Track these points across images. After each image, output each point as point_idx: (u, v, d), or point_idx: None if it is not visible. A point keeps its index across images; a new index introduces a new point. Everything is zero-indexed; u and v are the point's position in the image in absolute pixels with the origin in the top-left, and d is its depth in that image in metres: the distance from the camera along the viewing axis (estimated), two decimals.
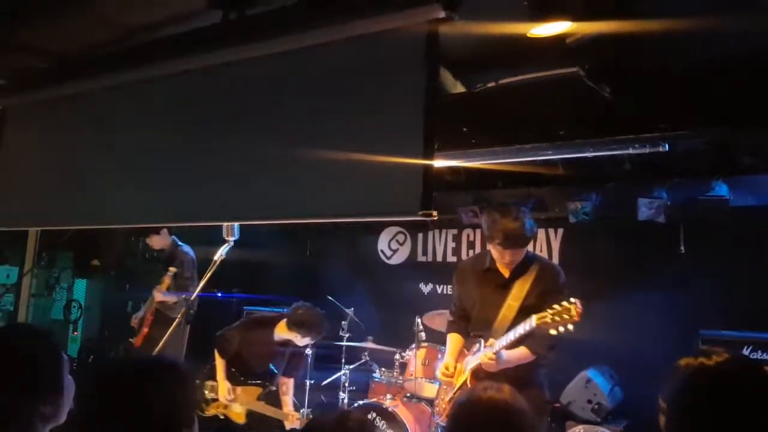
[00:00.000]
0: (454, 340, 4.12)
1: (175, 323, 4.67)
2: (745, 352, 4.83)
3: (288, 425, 5.13)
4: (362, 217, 2.98)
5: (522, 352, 3.70)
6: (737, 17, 2.98)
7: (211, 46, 3.31)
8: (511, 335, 3.62)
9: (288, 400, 5.38)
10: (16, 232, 7.24)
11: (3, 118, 4.49)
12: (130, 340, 6.23)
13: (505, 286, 3.86)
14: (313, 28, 2.97)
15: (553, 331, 3.42)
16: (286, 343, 5.14)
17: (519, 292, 3.80)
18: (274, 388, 5.34)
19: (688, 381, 1.71)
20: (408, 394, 5.53)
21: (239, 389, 5.21)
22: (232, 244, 4.41)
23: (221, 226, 4.42)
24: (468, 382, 3.82)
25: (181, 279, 6.00)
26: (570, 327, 3.40)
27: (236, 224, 4.40)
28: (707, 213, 5.04)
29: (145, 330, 6.04)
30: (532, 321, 3.49)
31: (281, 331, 5.05)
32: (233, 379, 5.22)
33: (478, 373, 3.79)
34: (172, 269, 5.92)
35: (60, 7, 3.47)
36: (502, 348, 3.65)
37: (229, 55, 3.31)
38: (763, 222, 5.16)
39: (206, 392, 5.24)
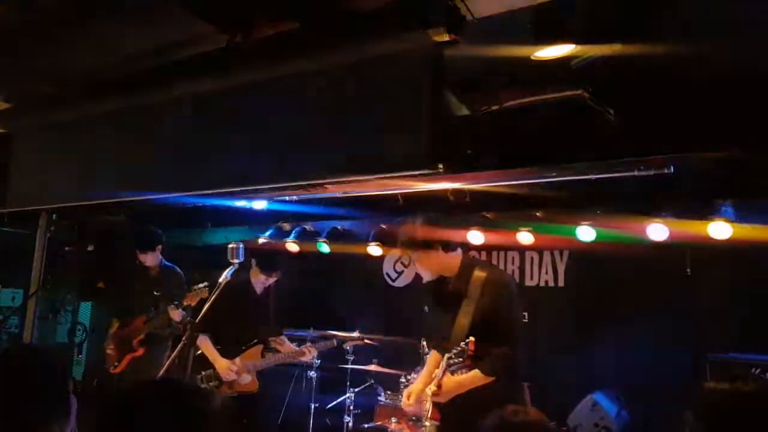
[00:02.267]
0: (432, 360, 4.05)
1: (180, 345, 4.41)
2: None
3: (306, 359, 5.22)
4: (373, 175, 3.05)
5: (476, 375, 3.58)
6: (741, 39, 2.99)
7: (217, 69, 3.35)
8: (440, 374, 3.55)
9: (289, 345, 5.31)
10: (22, 253, 7.27)
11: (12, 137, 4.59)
12: (107, 366, 5.86)
13: (455, 297, 3.74)
14: (318, 52, 3.01)
15: (455, 376, 3.50)
16: (266, 293, 5.17)
17: (468, 308, 3.66)
18: (272, 343, 5.22)
19: (728, 405, 1.70)
20: (413, 417, 5.47)
21: (238, 359, 4.91)
22: (236, 266, 4.36)
23: (227, 247, 4.40)
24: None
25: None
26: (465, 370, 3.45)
27: (241, 246, 4.38)
28: (713, 235, 5.01)
29: (141, 351, 5.71)
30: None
31: (257, 276, 5.08)
32: (227, 353, 4.91)
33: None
34: (201, 285, 4.94)
35: (67, 33, 3.51)
36: (441, 379, 3.55)
37: (236, 78, 3.35)
38: None
39: (203, 384, 4.85)
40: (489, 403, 2.25)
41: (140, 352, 5.73)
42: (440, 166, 2.68)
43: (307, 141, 3.17)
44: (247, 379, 4.91)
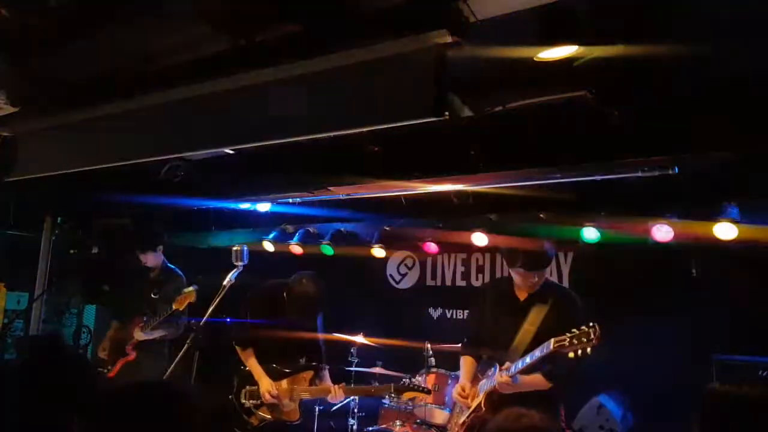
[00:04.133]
0: (467, 362, 4.13)
1: (183, 349, 4.24)
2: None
3: (332, 400, 4.64)
4: (382, 124, 3.08)
5: (537, 379, 3.71)
6: (744, 39, 2.98)
7: (219, 72, 3.36)
8: (528, 359, 3.63)
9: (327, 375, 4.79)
10: (27, 257, 7.29)
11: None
12: (101, 370, 5.71)
13: (522, 310, 3.89)
14: (321, 54, 3.01)
15: (571, 354, 3.43)
16: None
17: (536, 317, 3.82)
18: (326, 366, 4.68)
19: (733, 411, 1.69)
20: (418, 420, 5.46)
21: (284, 382, 4.55)
22: (241, 269, 4.35)
23: (231, 247, 4.39)
24: (482, 404, 3.81)
25: None
26: (588, 350, 3.41)
27: (245, 249, 4.38)
28: (719, 236, 4.99)
29: (133, 355, 5.63)
30: (550, 344, 3.51)
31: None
32: (274, 372, 4.57)
33: (492, 396, 3.77)
34: (191, 289, 5.16)
35: (71, 36, 3.52)
36: (518, 371, 3.66)
37: (238, 81, 3.35)
38: None
39: (245, 401, 4.57)
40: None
41: (132, 357, 5.65)
42: (446, 113, 2.73)
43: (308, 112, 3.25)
44: (291, 406, 4.49)
